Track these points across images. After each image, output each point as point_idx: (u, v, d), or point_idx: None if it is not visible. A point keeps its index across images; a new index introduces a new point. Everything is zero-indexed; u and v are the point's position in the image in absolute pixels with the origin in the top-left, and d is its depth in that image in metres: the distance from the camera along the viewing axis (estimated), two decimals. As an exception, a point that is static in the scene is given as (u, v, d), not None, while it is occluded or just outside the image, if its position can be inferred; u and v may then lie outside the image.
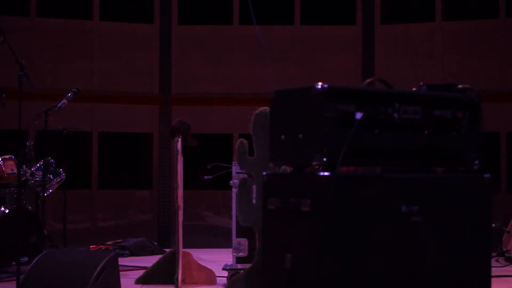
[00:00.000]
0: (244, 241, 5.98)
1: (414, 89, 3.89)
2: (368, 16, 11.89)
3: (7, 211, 7.17)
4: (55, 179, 7.85)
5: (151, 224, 11.57)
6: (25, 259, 6.83)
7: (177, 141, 6.14)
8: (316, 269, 3.21)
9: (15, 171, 7.47)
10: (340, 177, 3.23)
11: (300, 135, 3.39)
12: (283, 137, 3.49)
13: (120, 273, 5.41)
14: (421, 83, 3.83)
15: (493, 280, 3.45)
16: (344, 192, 3.25)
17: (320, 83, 3.43)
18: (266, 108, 5.03)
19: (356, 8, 11.98)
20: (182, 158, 6.09)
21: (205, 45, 11.93)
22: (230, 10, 11.94)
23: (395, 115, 3.48)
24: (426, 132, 3.54)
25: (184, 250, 6.02)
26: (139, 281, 6.33)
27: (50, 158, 7.88)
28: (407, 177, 3.49)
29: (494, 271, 3.61)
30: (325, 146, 3.28)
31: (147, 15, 11.97)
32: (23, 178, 7.47)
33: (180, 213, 5.98)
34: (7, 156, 7.57)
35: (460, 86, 3.72)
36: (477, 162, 3.65)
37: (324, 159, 3.25)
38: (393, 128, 3.46)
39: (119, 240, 9.32)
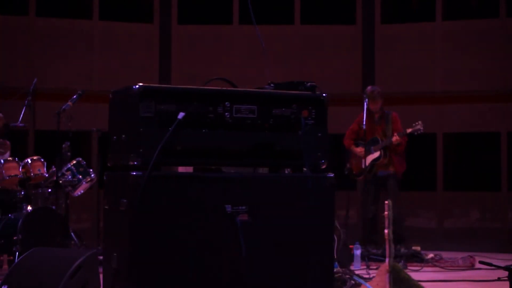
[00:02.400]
0: None
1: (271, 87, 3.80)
2: (368, 16, 11.89)
3: (29, 210, 7.22)
4: (84, 180, 7.94)
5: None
6: None
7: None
8: (130, 268, 3.21)
9: (43, 171, 7.66)
10: (153, 177, 3.21)
11: (123, 135, 3.38)
12: (114, 137, 3.48)
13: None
14: (269, 82, 3.79)
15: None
16: (160, 191, 3.24)
17: (139, 84, 3.35)
18: None
19: (356, 8, 11.97)
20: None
21: (205, 45, 11.92)
22: (230, 10, 11.93)
23: (226, 114, 3.44)
24: (265, 131, 3.50)
25: None
26: None
27: (81, 159, 8.04)
28: (234, 176, 3.47)
29: None
30: (141, 146, 3.27)
31: (147, 15, 11.97)
32: (53, 179, 7.63)
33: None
34: (35, 157, 7.70)
35: (308, 84, 3.65)
36: (323, 161, 3.59)
37: (140, 159, 3.23)
38: (225, 127, 3.43)
39: None
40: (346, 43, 11.96)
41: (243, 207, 3.37)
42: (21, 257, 4.59)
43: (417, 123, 8.21)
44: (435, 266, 7.54)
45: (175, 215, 3.28)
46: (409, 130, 8.21)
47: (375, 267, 7.02)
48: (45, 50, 11.40)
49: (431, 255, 8.10)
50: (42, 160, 7.78)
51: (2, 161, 7.50)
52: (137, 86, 3.35)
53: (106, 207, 3.49)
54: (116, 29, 11.77)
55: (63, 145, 8.10)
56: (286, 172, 3.72)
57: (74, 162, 7.98)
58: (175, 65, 11.84)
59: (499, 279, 5.98)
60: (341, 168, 9.09)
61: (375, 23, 11.88)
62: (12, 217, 7.12)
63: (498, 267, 5.89)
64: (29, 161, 7.62)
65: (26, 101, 7.93)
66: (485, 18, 11.54)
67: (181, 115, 3.32)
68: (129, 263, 3.20)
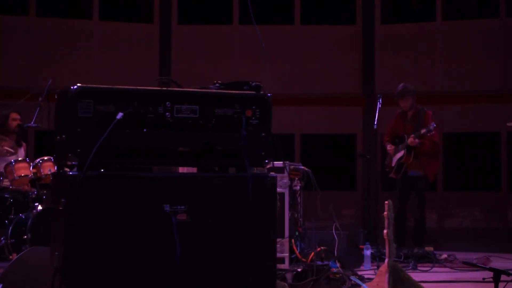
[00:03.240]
0: None
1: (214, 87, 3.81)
2: (368, 16, 11.89)
3: (39, 209, 7.25)
4: None
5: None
6: None
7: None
8: (64, 267, 3.23)
9: (53, 171, 7.62)
10: (90, 176, 3.23)
11: (63, 135, 3.41)
12: (58, 137, 3.50)
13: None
14: (215, 81, 3.79)
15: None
16: (97, 191, 3.26)
17: (78, 84, 3.38)
18: None
19: (356, 8, 11.98)
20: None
21: (205, 45, 11.92)
22: (230, 10, 11.93)
23: (167, 114, 3.44)
24: (208, 131, 3.50)
25: None
26: None
27: None
28: (173, 176, 3.48)
29: None
30: (78, 146, 3.28)
31: (147, 14, 11.97)
32: None
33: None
34: (46, 157, 7.68)
35: (253, 83, 3.64)
36: (267, 161, 3.60)
37: (78, 159, 3.26)
38: (166, 127, 3.43)
39: None
40: (346, 43, 11.96)
41: (182, 207, 3.39)
42: (17, 256, 4.59)
43: (431, 123, 8.15)
44: (445, 266, 7.50)
45: (113, 215, 3.30)
46: (423, 131, 8.13)
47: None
48: (45, 50, 11.39)
49: (444, 256, 8.07)
50: (53, 159, 7.79)
51: (13, 161, 7.52)
52: (75, 86, 3.37)
53: (50, 206, 3.52)
54: (116, 29, 11.76)
55: None
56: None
57: None
58: (175, 65, 11.83)
59: (483, 280, 5.98)
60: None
61: (375, 23, 11.88)
62: (23, 216, 7.17)
63: (484, 268, 5.90)
64: (40, 161, 7.63)
65: (39, 101, 7.93)
66: (485, 18, 11.55)
67: (119, 115, 3.34)
68: (63, 262, 3.23)
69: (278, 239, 5.92)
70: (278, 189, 5.99)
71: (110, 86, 3.47)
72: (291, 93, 11.84)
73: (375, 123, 8.24)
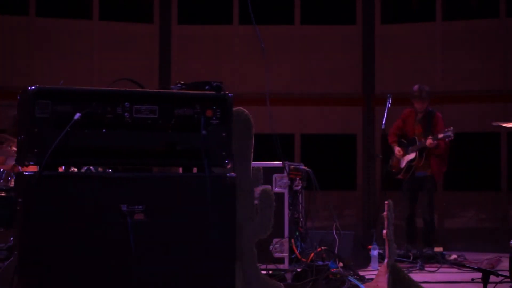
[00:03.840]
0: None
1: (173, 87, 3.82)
2: (368, 16, 11.89)
3: None
4: None
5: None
6: None
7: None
8: (19, 267, 3.25)
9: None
10: (46, 176, 3.27)
11: (22, 136, 3.44)
12: (19, 137, 3.53)
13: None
14: (177, 82, 3.79)
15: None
16: (53, 191, 3.28)
17: (36, 85, 3.42)
18: (240, 108, 5.04)
19: (356, 8, 11.97)
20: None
21: (205, 45, 11.92)
22: (230, 10, 11.93)
23: (126, 114, 3.47)
24: (168, 131, 3.52)
25: None
26: None
27: None
28: (130, 176, 3.49)
29: None
30: (35, 147, 3.32)
31: (147, 15, 11.97)
32: None
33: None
34: None
35: (214, 84, 3.66)
36: (227, 161, 3.62)
37: (35, 159, 3.29)
38: (125, 128, 3.46)
39: None
40: (346, 43, 11.96)
41: (140, 207, 3.41)
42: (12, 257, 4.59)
43: (449, 128, 8.09)
44: (453, 267, 7.47)
45: (70, 215, 3.33)
46: (440, 136, 8.05)
47: None
48: (45, 50, 11.39)
49: (454, 256, 8.04)
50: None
51: None
52: (33, 87, 3.40)
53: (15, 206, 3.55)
54: (116, 29, 11.76)
55: None
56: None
57: None
58: (175, 65, 11.83)
59: (472, 281, 5.98)
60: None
61: (375, 23, 11.88)
62: None
63: (473, 268, 5.89)
64: None
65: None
66: (485, 18, 11.54)
67: (77, 115, 3.38)
68: (18, 261, 3.26)
69: (277, 239, 5.94)
70: (277, 189, 6.01)
71: (68, 87, 3.52)
72: (291, 93, 11.85)
73: (383, 122, 8.17)
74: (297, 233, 6.13)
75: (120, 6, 12.02)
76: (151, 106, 3.52)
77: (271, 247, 5.91)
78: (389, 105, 8.32)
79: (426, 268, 7.23)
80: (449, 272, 7.14)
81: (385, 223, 5.35)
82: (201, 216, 3.50)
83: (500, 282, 5.32)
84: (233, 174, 3.61)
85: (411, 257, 7.60)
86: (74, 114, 3.37)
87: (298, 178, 6.23)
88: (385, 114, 8.22)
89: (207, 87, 3.63)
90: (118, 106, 3.46)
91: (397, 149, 8.47)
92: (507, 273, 5.50)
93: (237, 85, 11.78)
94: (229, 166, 3.63)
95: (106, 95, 3.48)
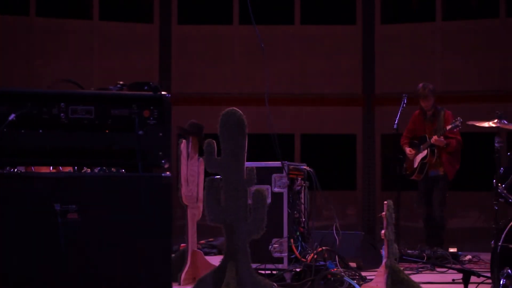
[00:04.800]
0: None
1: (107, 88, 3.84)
2: (368, 16, 11.88)
3: None
4: None
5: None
6: None
7: (181, 142, 6.24)
8: None
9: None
10: None
11: None
12: None
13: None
14: (117, 82, 3.81)
15: None
16: None
17: None
18: (233, 109, 5.06)
19: (356, 8, 11.97)
20: (187, 159, 6.17)
21: (205, 45, 11.92)
22: (230, 10, 11.93)
23: (62, 115, 3.51)
24: (104, 131, 3.53)
25: (195, 249, 6.17)
26: None
27: None
28: (65, 176, 3.57)
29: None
30: None
31: (147, 15, 11.96)
32: None
33: (189, 212, 6.11)
34: None
35: (153, 84, 3.69)
36: (164, 161, 3.63)
37: None
38: (61, 128, 3.51)
39: (211, 239, 9.39)
40: (346, 43, 11.96)
41: (73, 206, 3.43)
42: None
43: (456, 119, 8.06)
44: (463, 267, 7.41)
45: (3, 213, 3.36)
46: (448, 127, 8.01)
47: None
48: (45, 50, 11.39)
49: (469, 257, 8.01)
50: None
51: None
52: None
53: None
54: (116, 29, 11.76)
55: None
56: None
57: None
58: (175, 65, 11.83)
59: (453, 281, 5.97)
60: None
61: (375, 23, 11.87)
62: None
63: (453, 269, 5.88)
64: None
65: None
66: (485, 18, 11.54)
67: (11, 116, 3.41)
68: None
69: (277, 239, 5.94)
70: (277, 189, 6.01)
71: (4, 87, 3.56)
72: (291, 93, 11.84)
73: (396, 122, 8.06)
74: (298, 233, 6.12)
75: (120, 6, 12.02)
76: (87, 106, 3.56)
77: (270, 247, 5.91)
78: (404, 105, 8.22)
79: (437, 269, 7.12)
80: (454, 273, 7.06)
81: (384, 223, 5.35)
82: (136, 216, 3.52)
83: (482, 282, 5.30)
84: (168, 174, 3.64)
85: (425, 258, 7.54)
86: (9, 114, 3.42)
87: (300, 178, 6.23)
88: (399, 114, 8.11)
89: (145, 88, 3.68)
90: (54, 107, 3.51)
91: (408, 149, 8.43)
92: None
93: (237, 85, 11.78)
94: (166, 166, 3.66)
95: (42, 96, 3.52)
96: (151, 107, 3.63)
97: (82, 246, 3.45)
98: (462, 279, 5.25)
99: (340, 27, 12.02)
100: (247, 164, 5.05)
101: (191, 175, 6.16)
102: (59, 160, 3.58)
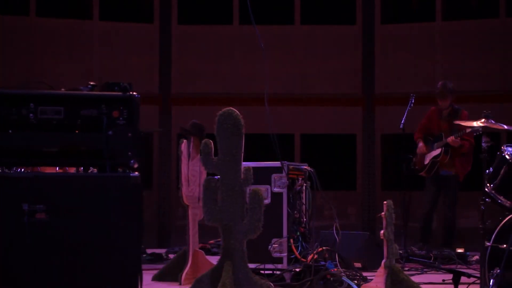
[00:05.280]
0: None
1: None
2: (368, 16, 11.88)
3: None
4: None
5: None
6: None
7: (182, 142, 6.24)
8: None
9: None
10: None
11: None
12: None
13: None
14: (89, 83, 3.83)
15: None
16: None
17: None
18: (230, 109, 5.06)
19: (356, 8, 11.97)
20: (188, 159, 6.17)
21: (205, 45, 11.92)
22: (230, 10, 11.93)
23: (31, 115, 3.53)
24: (74, 131, 3.55)
25: (196, 249, 6.17)
26: (155, 278, 6.43)
27: None
28: (33, 176, 3.57)
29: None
30: None
31: (147, 15, 11.97)
32: None
33: (190, 212, 6.12)
34: None
35: (123, 84, 3.70)
36: (133, 161, 3.64)
37: None
38: (30, 128, 3.53)
39: (220, 239, 9.42)
40: (346, 43, 11.96)
41: (41, 206, 3.44)
42: None
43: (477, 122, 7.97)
44: (471, 268, 7.39)
45: None
46: (468, 130, 7.92)
47: (406, 269, 6.88)
48: (45, 50, 11.39)
49: (476, 257, 7.98)
50: None
51: None
52: None
53: None
54: (116, 29, 11.76)
55: None
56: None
57: None
58: (175, 65, 11.83)
59: (443, 282, 5.96)
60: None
61: (375, 23, 11.87)
62: None
63: (443, 269, 5.86)
64: None
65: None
66: (485, 18, 11.54)
67: None
68: None
69: (276, 239, 5.94)
70: (276, 189, 6.01)
71: None
72: (291, 93, 11.84)
73: (402, 122, 8.00)
74: (298, 233, 6.12)
75: (120, 6, 12.02)
76: (56, 107, 3.58)
77: (270, 247, 5.91)
78: (412, 105, 8.16)
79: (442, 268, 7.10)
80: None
81: (383, 223, 5.34)
82: (104, 216, 3.54)
83: (473, 283, 5.30)
84: (137, 174, 3.65)
85: (432, 258, 7.48)
86: None
87: (300, 178, 6.23)
88: (405, 113, 8.05)
89: (116, 88, 3.70)
90: (23, 108, 3.52)
91: (420, 144, 8.34)
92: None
93: (236, 85, 11.78)
94: (135, 166, 3.67)
95: (11, 97, 3.55)
96: (121, 108, 3.64)
97: (49, 246, 3.45)
98: (452, 279, 5.26)
99: (340, 27, 12.02)
100: (246, 164, 5.05)
101: (193, 175, 6.16)
102: (28, 160, 3.60)
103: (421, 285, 5.42)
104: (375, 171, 11.74)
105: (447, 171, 8.30)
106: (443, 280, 5.94)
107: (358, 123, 11.83)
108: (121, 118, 3.63)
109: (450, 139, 8.02)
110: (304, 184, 6.23)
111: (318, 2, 12.19)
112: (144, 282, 6.23)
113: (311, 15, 12.06)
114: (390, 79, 11.69)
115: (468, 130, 7.86)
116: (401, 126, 7.97)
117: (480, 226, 5.49)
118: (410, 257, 7.47)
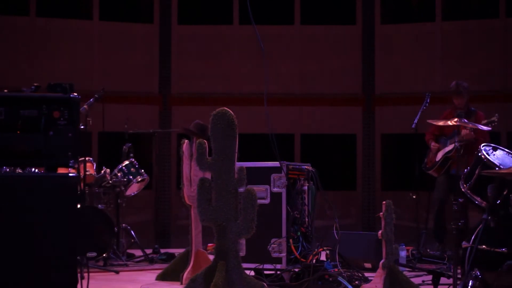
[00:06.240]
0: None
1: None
2: (368, 16, 11.88)
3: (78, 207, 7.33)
4: (135, 179, 8.19)
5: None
6: (93, 254, 7.08)
7: (183, 142, 6.25)
8: None
9: (91, 172, 7.87)
10: None
11: None
12: None
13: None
14: (34, 84, 3.87)
15: None
16: None
17: None
18: (224, 109, 5.07)
19: (356, 8, 11.97)
20: (189, 159, 6.18)
21: (205, 45, 11.92)
22: (230, 10, 11.93)
23: None
24: (14, 132, 3.58)
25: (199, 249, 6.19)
26: (158, 277, 6.45)
27: (133, 159, 8.28)
28: None
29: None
30: None
31: (147, 15, 11.97)
32: (104, 179, 7.96)
33: (193, 212, 6.12)
34: (86, 158, 7.79)
35: (64, 85, 3.73)
36: (73, 161, 3.68)
37: None
38: None
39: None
40: (346, 43, 11.96)
41: None
42: None
43: (495, 115, 7.91)
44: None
45: None
46: (484, 121, 7.84)
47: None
48: (45, 50, 11.40)
49: None
50: (92, 160, 8.02)
51: None
52: None
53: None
54: (116, 29, 11.76)
55: (124, 147, 8.33)
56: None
57: (127, 162, 8.22)
58: (175, 65, 11.83)
59: (423, 283, 5.95)
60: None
61: (375, 23, 11.87)
62: None
63: (422, 270, 5.84)
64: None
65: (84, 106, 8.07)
66: (485, 18, 11.54)
67: None
68: None
69: (275, 239, 5.94)
70: (276, 189, 6.01)
71: None
72: (291, 93, 11.84)
73: (415, 122, 7.93)
74: (299, 233, 6.11)
75: (120, 6, 12.02)
76: None
77: (269, 247, 5.91)
78: (427, 104, 8.09)
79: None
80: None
81: (382, 223, 5.34)
82: (42, 216, 3.55)
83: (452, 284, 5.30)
84: (75, 173, 3.68)
85: (446, 259, 7.36)
86: None
87: (302, 178, 6.21)
88: (419, 113, 7.98)
89: (58, 89, 3.73)
90: None
91: (433, 144, 8.27)
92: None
93: (237, 85, 11.78)
94: (75, 166, 3.71)
95: None
96: (61, 108, 3.67)
97: None
98: (431, 280, 5.27)
99: (340, 27, 12.02)
100: (246, 164, 5.05)
101: (195, 175, 6.16)
102: None
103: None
104: (375, 171, 11.74)
105: (459, 170, 8.25)
106: (423, 282, 5.92)
107: (358, 123, 11.83)
108: (62, 119, 3.67)
109: (464, 132, 7.90)
110: (306, 184, 6.22)
111: (318, 2, 12.19)
112: (148, 281, 6.29)
113: (311, 15, 12.06)
114: (390, 79, 11.69)
115: (484, 122, 7.80)
116: (413, 126, 7.90)
117: (453, 226, 5.44)
118: (423, 258, 7.40)
